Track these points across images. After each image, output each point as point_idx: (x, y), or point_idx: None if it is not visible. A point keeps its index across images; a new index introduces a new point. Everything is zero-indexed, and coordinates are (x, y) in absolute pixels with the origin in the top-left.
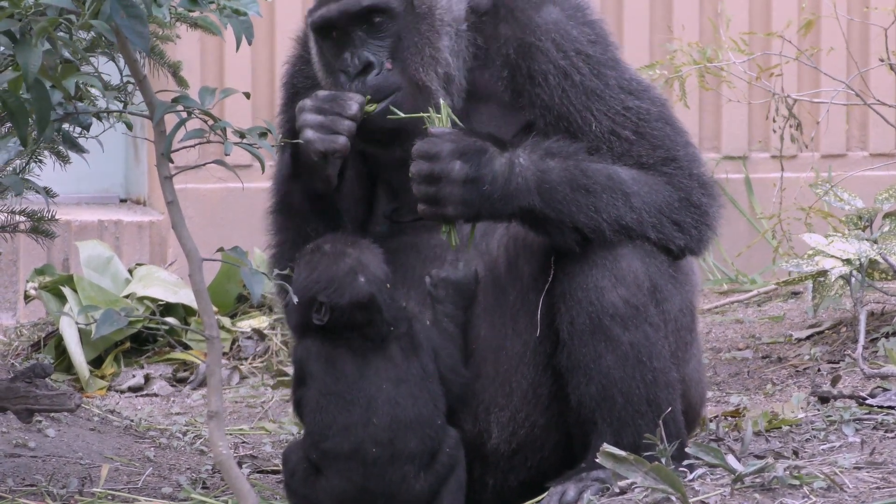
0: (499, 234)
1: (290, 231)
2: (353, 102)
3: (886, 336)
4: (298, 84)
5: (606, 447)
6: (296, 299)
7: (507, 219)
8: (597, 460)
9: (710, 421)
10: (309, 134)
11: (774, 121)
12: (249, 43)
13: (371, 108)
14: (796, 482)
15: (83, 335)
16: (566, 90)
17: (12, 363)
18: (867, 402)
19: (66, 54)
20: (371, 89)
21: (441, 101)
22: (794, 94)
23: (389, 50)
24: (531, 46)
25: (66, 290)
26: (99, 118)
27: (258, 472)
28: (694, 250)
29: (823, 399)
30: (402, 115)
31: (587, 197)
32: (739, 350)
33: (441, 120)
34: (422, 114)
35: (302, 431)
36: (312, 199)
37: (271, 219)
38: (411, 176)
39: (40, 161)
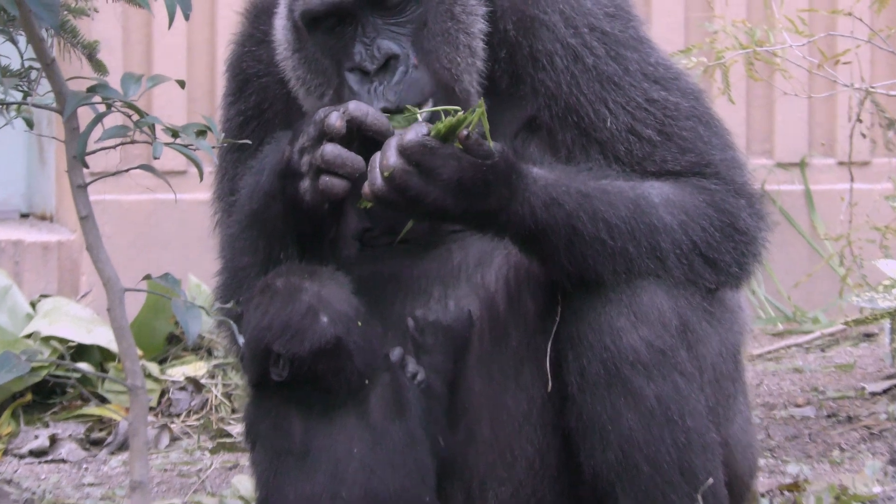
0: (497, 262)
1: (261, 253)
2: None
3: None
4: (249, 69)
5: None
6: (242, 346)
7: None
8: None
9: (763, 496)
10: (327, 180)
11: (860, 120)
12: (186, 18)
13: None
14: None
15: None
16: (576, 76)
17: None
18: None
19: None
20: (396, 94)
21: (482, 100)
22: (867, 85)
23: (412, 39)
24: (534, 20)
25: None
26: None
27: None
28: (732, 285)
29: None
30: (419, 111)
31: (594, 245)
32: (799, 406)
33: (471, 123)
34: (453, 107)
35: None
36: (297, 220)
37: (233, 236)
38: (384, 165)
39: None
